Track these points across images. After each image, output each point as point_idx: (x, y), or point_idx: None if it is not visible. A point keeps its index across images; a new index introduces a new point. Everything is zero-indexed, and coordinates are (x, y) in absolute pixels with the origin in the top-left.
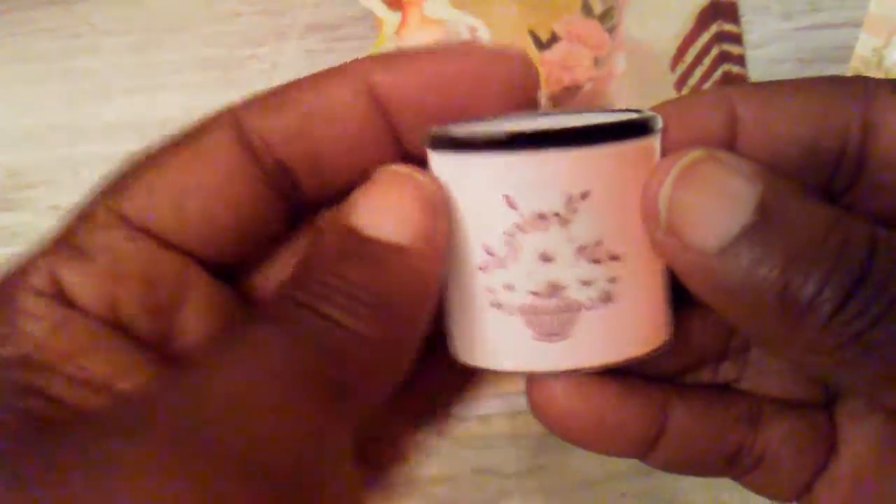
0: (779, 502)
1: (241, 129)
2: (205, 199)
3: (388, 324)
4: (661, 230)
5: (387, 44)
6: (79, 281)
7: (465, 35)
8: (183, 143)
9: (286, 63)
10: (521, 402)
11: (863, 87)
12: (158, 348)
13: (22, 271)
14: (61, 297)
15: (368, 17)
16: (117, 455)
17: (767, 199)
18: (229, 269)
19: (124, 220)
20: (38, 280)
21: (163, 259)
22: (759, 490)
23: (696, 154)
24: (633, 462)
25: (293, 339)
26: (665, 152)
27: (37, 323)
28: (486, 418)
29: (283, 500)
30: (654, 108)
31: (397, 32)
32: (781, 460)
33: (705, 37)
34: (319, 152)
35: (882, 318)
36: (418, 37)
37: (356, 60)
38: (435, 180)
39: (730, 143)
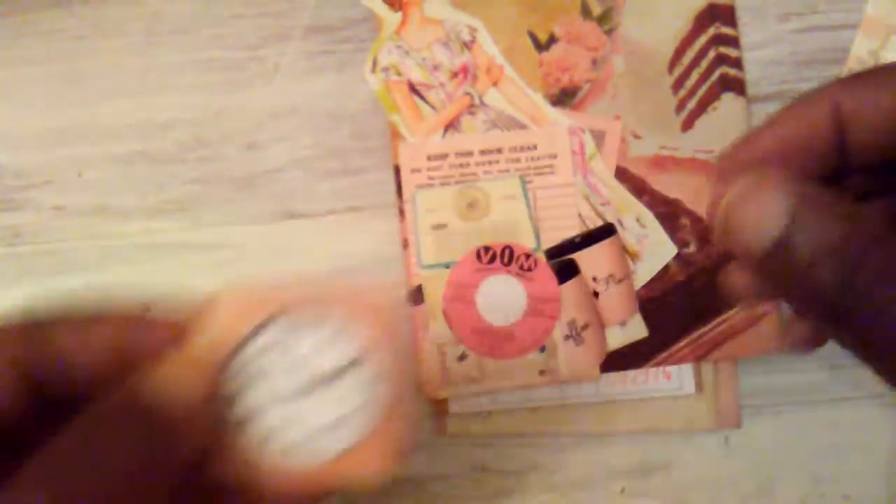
0: None
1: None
2: None
3: None
4: (720, 232)
5: (386, 43)
6: None
7: (465, 35)
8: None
9: (287, 65)
10: (520, 400)
11: None
12: None
13: None
14: None
15: (370, 19)
16: None
17: (797, 214)
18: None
19: None
20: None
21: None
22: None
23: (748, 179)
24: (631, 460)
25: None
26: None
27: None
28: (484, 416)
29: None
30: (772, 116)
31: (397, 32)
32: None
33: (703, 39)
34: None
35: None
36: (418, 36)
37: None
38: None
39: (837, 134)
